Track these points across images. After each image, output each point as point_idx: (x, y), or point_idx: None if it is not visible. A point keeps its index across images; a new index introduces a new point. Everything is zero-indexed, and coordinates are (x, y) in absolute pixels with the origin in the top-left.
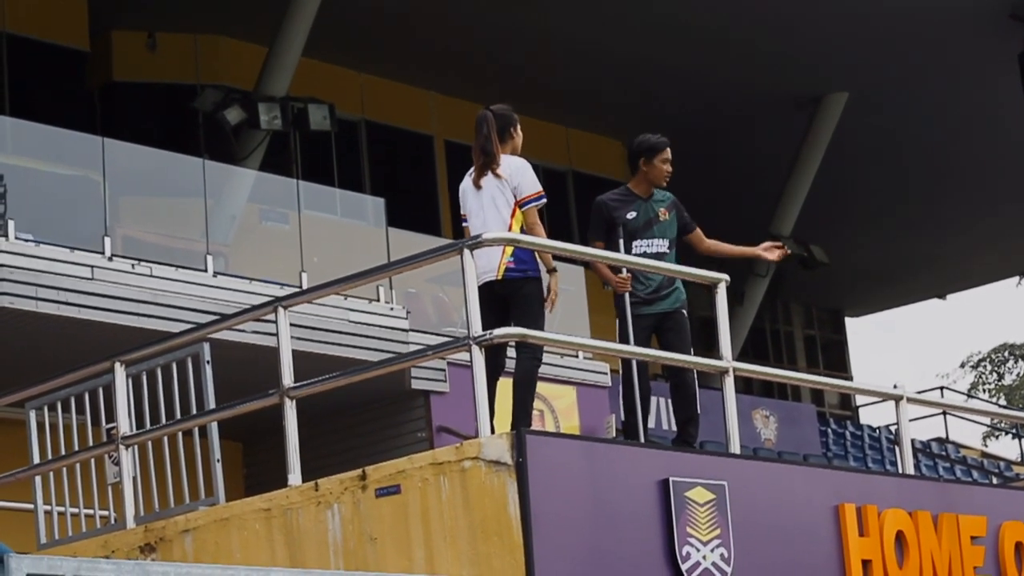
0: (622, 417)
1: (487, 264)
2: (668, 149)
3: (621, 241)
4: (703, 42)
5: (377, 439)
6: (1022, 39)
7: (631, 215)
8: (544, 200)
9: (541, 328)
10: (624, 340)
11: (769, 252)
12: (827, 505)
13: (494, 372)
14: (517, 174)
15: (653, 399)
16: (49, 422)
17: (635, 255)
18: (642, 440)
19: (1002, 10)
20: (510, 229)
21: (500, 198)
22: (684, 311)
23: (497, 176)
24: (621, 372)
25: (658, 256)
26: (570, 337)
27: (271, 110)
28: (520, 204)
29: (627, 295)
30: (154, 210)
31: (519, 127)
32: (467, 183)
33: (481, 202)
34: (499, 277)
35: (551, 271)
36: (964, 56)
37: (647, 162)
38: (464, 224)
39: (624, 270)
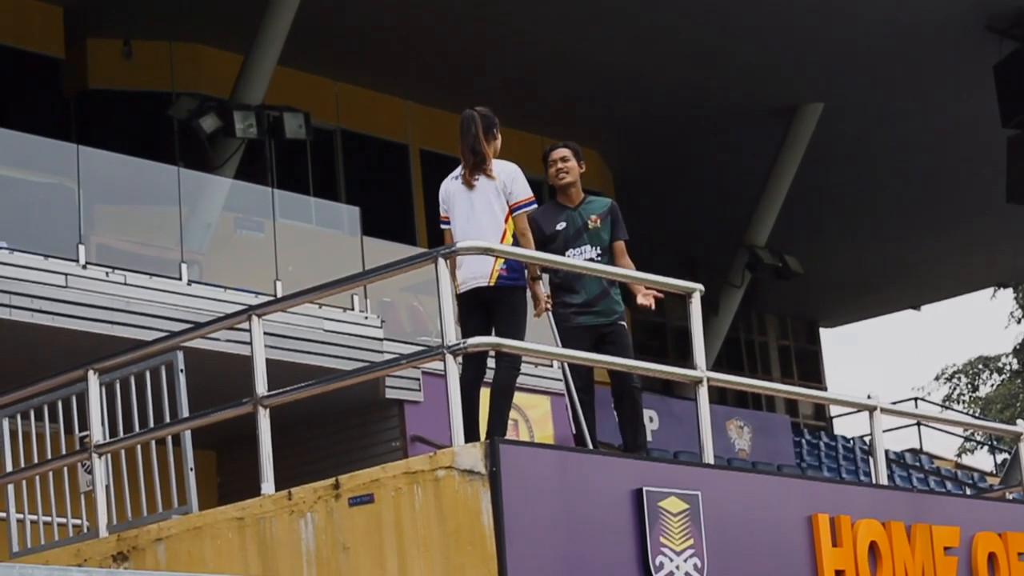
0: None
1: (479, 269)
2: (555, 151)
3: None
4: (679, 53)
5: (351, 448)
6: (998, 50)
7: (560, 225)
8: (535, 205)
9: (522, 338)
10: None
11: (645, 297)
12: (801, 515)
13: (478, 378)
14: (511, 180)
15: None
16: (22, 430)
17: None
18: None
19: (978, 21)
20: (504, 234)
21: (496, 202)
22: (623, 323)
23: (491, 177)
24: (564, 383)
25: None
26: (547, 347)
27: (246, 118)
28: (512, 209)
29: (550, 313)
30: (129, 218)
31: (499, 130)
32: (453, 184)
33: (472, 205)
34: (491, 283)
35: (536, 278)
36: (940, 67)
37: (546, 169)
38: (444, 226)
39: (546, 293)
